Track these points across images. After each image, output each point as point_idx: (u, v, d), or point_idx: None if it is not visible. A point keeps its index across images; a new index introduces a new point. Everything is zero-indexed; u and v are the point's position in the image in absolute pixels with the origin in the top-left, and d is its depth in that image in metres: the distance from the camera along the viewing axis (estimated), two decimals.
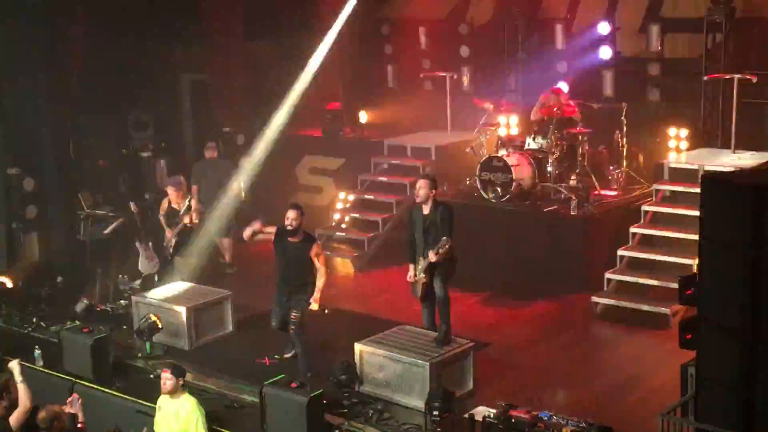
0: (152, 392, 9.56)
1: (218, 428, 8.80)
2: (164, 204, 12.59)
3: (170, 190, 12.48)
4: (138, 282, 12.47)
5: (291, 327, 10.05)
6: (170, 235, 12.34)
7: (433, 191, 9.88)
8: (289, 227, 10.06)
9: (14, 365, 8.47)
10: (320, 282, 10.08)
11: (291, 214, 10.05)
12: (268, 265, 14.42)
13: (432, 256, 9.53)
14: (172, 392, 8.54)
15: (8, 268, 13.12)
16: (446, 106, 15.81)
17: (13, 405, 8.17)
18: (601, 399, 9.32)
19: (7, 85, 13.21)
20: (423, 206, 9.90)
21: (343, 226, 15.00)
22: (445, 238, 9.54)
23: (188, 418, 8.44)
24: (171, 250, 12.39)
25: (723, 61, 13.36)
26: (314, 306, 10.05)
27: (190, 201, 12.43)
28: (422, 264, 9.75)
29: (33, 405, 8.13)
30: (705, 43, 13.59)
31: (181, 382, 8.57)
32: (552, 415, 8.51)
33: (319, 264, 10.13)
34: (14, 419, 7.99)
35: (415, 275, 9.90)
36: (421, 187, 9.85)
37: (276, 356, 10.54)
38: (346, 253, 14.32)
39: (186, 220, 12.30)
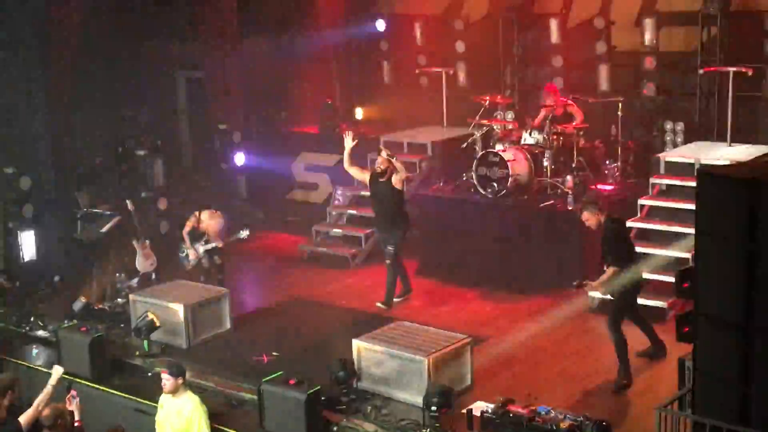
0: (150, 390, 9.59)
1: (217, 426, 8.80)
2: (190, 224, 12.35)
3: (216, 223, 12.29)
4: (135, 280, 12.46)
5: (386, 260, 11.93)
6: (193, 256, 12.24)
7: (598, 212, 9.68)
8: (378, 170, 11.92)
9: (59, 370, 8.49)
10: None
11: (379, 159, 11.93)
12: (264, 262, 14.52)
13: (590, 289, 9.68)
14: (173, 392, 8.55)
15: (5, 268, 13.11)
16: (442, 102, 15.81)
17: (14, 407, 8.18)
18: (598, 393, 9.34)
19: (3, 84, 13.20)
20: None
21: (340, 222, 15.02)
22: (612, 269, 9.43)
23: (190, 417, 8.46)
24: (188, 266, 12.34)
25: (718, 55, 13.38)
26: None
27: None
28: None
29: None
30: (700, 36, 13.60)
31: (180, 381, 8.57)
32: (550, 410, 8.53)
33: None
34: (25, 420, 8.01)
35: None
36: (589, 218, 9.71)
37: (274, 353, 10.55)
38: (342, 250, 14.33)
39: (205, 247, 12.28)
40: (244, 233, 12.22)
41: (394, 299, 12.03)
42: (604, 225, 9.60)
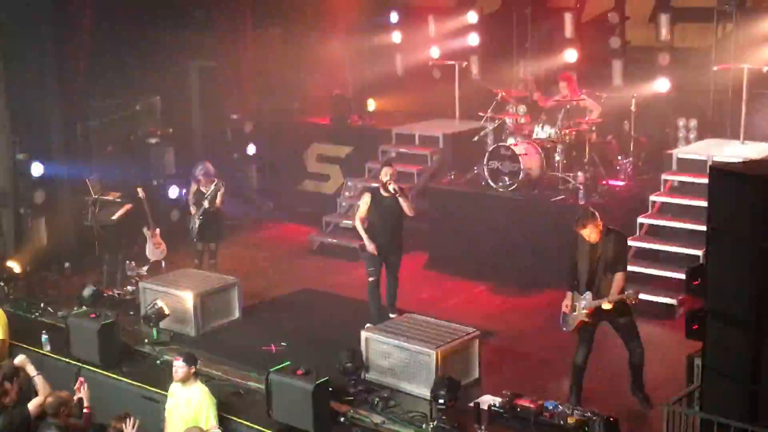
0: (159, 378, 9.62)
1: (224, 414, 8.82)
2: (193, 187, 12.62)
3: (200, 175, 12.47)
4: (145, 268, 12.49)
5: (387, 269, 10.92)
6: (194, 213, 12.35)
7: (599, 224, 8.99)
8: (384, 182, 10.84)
9: (23, 361, 8.52)
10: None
11: (385, 170, 10.89)
12: (275, 252, 14.54)
13: (606, 304, 8.77)
14: (184, 380, 8.57)
15: (16, 253, 13.15)
16: (455, 95, 15.78)
17: (23, 391, 8.22)
18: (606, 389, 9.32)
19: (16, 71, 13.22)
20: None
21: (350, 214, 15.00)
22: (620, 274, 8.84)
23: (199, 406, 8.48)
24: (195, 233, 12.40)
25: (733, 52, 13.31)
26: None
27: (217, 185, 12.39)
28: (585, 302, 8.93)
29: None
30: (715, 33, 13.54)
31: (193, 370, 8.61)
32: (557, 405, 8.52)
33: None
34: (33, 406, 8.06)
35: (573, 309, 9.05)
36: (590, 233, 8.95)
37: (282, 343, 10.56)
38: (352, 241, 14.32)
39: (205, 204, 12.30)
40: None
41: (392, 313, 10.95)
42: (608, 235, 8.92)
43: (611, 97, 13.91)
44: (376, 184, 11.16)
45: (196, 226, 12.38)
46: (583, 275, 9.01)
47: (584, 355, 9.08)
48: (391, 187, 10.75)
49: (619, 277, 8.81)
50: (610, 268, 8.83)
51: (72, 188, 13.64)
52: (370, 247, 10.83)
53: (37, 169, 13.42)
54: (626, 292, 8.79)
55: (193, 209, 12.53)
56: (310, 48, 16.83)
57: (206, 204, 12.31)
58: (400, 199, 10.73)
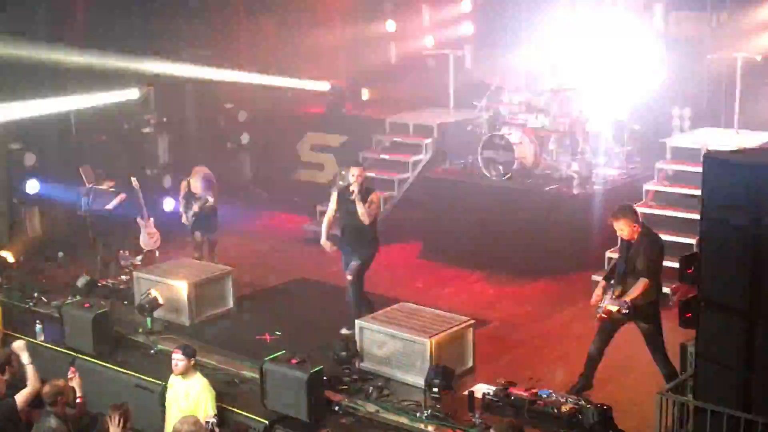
0: (153, 367, 9.61)
1: (219, 404, 8.81)
2: (183, 185, 12.47)
3: (197, 180, 12.34)
4: (139, 257, 12.47)
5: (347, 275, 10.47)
6: (196, 208, 12.30)
7: (634, 223, 8.77)
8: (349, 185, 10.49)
9: (21, 347, 8.50)
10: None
11: (352, 171, 10.49)
12: (269, 241, 14.53)
13: (611, 306, 8.59)
14: (184, 373, 8.56)
15: (10, 243, 13.12)
16: (449, 84, 15.77)
17: (15, 379, 8.20)
18: (599, 377, 9.32)
19: (10, 60, 13.15)
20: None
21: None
22: (642, 280, 8.58)
23: (198, 398, 8.47)
24: (191, 225, 12.36)
25: (728, 41, 13.30)
26: None
27: (204, 198, 12.32)
28: (607, 299, 8.73)
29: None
30: (710, 21, 13.52)
31: (192, 362, 8.59)
32: (551, 393, 8.54)
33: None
34: (21, 398, 8.03)
35: (601, 300, 8.82)
36: (622, 228, 8.74)
37: (276, 332, 10.56)
38: None
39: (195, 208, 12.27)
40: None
41: (345, 331, 10.43)
42: (643, 236, 8.72)
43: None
44: (344, 183, 10.84)
45: (190, 220, 12.33)
46: (618, 270, 8.89)
47: (597, 346, 9.01)
48: (351, 188, 10.44)
49: (639, 284, 8.60)
50: (636, 272, 8.68)
51: (65, 178, 13.60)
52: (323, 242, 10.75)
53: (30, 158, 13.37)
54: (621, 301, 8.61)
55: (182, 205, 12.42)
56: (305, 36, 16.78)
57: (196, 208, 12.24)
58: (357, 203, 10.36)
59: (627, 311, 8.56)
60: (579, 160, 12.96)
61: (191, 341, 9.58)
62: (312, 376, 8.53)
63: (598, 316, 8.84)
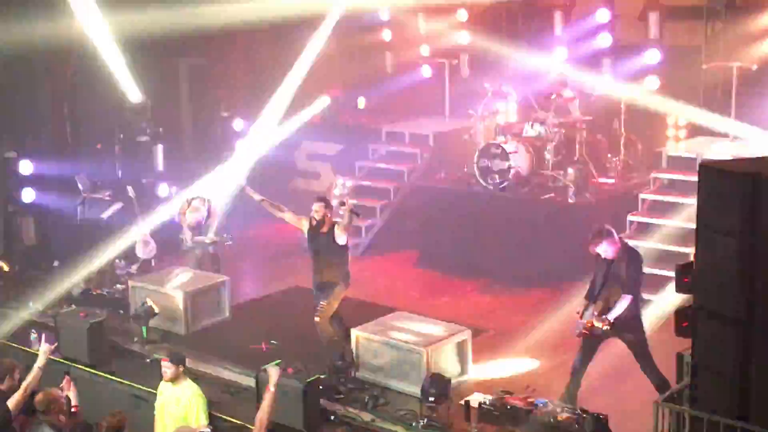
0: (148, 377, 9.58)
1: (214, 413, 8.80)
2: (185, 207, 12.22)
3: (203, 207, 12.17)
4: (135, 266, 12.44)
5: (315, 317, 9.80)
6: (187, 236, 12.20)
7: (616, 240, 8.81)
8: (313, 221, 9.96)
9: (47, 349, 8.46)
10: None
11: (315, 206, 9.95)
12: (265, 250, 14.50)
13: (596, 322, 8.61)
14: (173, 380, 8.54)
15: (5, 252, 13.09)
16: (445, 93, 15.77)
17: (12, 390, 8.16)
18: (596, 386, 9.32)
19: (5, 69, 13.16)
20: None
21: (341, 212, 14.94)
22: (625, 296, 8.61)
23: (188, 405, 8.45)
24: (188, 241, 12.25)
25: (722, 50, 13.33)
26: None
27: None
28: (588, 314, 8.81)
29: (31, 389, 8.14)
30: (705, 31, 13.55)
31: (181, 369, 8.57)
32: (547, 402, 8.53)
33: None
34: (13, 403, 7.99)
35: (581, 316, 8.89)
36: (606, 249, 8.73)
37: (272, 341, 10.54)
38: None
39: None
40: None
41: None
42: (624, 252, 8.79)
43: (601, 95, 13.91)
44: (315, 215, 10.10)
45: (189, 239, 12.16)
46: (597, 287, 8.91)
47: (580, 360, 9.04)
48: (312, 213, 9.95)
49: (623, 301, 8.64)
50: (618, 287, 8.71)
51: (61, 186, 13.58)
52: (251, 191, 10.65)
53: (26, 167, 13.36)
54: (603, 317, 8.63)
55: (185, 236, 12.15)
56: (301, 45, 16.77)
57: (205, 238, 12.11)
58: (337, 229, 9.81)
59: (608, 327, 8.58)
60: (575, 169, 12.96)
61: (187, 351, 9.55)
62: (308, 386, 8.53)
63: (578, 332, 8.88)
